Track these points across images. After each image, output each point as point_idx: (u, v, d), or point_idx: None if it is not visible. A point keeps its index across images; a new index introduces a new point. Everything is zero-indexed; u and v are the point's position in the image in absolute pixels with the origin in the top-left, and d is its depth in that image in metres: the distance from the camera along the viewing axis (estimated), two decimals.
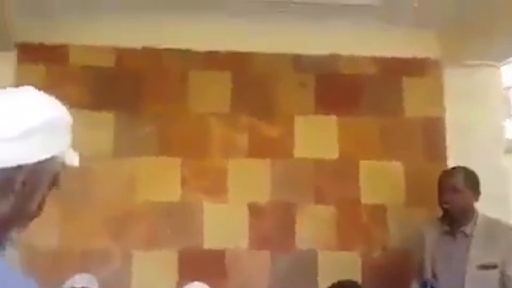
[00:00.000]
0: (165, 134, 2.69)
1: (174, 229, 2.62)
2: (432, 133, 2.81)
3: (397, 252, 2.65)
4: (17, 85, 2.66)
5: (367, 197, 2.75)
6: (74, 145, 2.76)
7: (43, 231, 2.51)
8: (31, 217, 0.86)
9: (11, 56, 2.62)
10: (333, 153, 2.77)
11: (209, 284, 2.32)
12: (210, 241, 2.63)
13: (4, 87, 2.61)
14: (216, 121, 2.72)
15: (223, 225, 2.65)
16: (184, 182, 2.66)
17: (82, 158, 2.69)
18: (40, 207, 0.87)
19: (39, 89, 2.77)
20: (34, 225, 2.50)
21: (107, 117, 2.67)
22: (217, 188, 2.67)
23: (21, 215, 0.82)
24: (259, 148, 2.74)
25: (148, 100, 2.70)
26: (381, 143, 2.80)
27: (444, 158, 2.72)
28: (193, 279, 2.32)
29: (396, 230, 2.70)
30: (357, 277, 2.62)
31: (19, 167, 0.79)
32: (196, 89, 2.74)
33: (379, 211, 2.73)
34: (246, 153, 2.73)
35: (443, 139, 2.79)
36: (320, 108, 2.81)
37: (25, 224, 0.86)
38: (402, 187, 2.76)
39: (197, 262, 2.59)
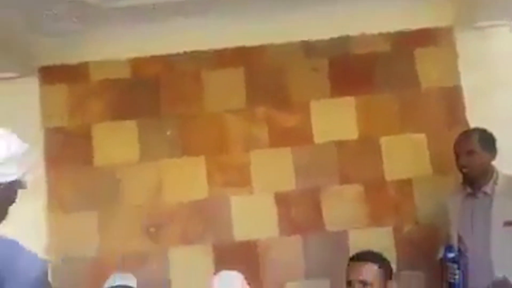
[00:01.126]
0: (186, 135, 2.79)
1: (205, 225, 2.72)
2: (451, 102, 2.78)
3: (428, 224, 2.63)
4: (42, 106, 2.84)
5: (392, 173, 2.75)
6: (103, 156, 2.89)
7: (82, 241, 2.66)
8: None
9: (34, 80, 2.78)
10: (353, 134, 2.79)
11: (245, 274, 2.40)
12: (241, 233, 2.71)
13: (30, 110, 2.78)
14: (234, 117, 2.80)
15: (252, 216, 2.72)
16: (209, 179, 2.75)
17: (111, 166, 2.85)
18: (3, 217, 1.22)
19: (63, 107, 2.92)
20: (74, 235, 2.67)
21: (130, 126, 2.79)
22: (242, 181, 2.75)
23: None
24: (279, 138, 2.79)
25: (166, 105, 2.81)
26: (401, 118, 2.79)
27: (465, 125, 2.69)
28: (228, 270, 2.40)
29: (424, 202, 2.69)
30: (391, 252, 2.63)
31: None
32: (211, 88, 2.82)
33: (405, 185, 2.73)
34: (267, 144, 2.78)
35: (462, 106, 2.76)
36: (335, 91, 2.83)
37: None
38: (426, 159, 2.74)
39: (231, 255, 2.68)
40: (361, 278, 2.01)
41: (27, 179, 1.23)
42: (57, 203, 2.72)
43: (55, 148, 2.77)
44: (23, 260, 1.15)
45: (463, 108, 2.76)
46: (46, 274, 1.20)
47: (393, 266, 2.56)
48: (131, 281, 2.47)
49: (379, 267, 2.04)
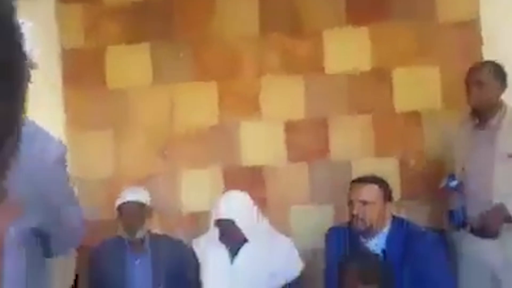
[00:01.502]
0: (199, 59, 2.81)
1: (215, 149, 2.79)
2: (468, 36, 2.72)
3: (434, 156, 2.66)
4: (58, 27, 2.86)
5: (402, 105, 2.75)
6: (117, 77, 2.96)
7: (98, 159, 2.77)
8: None
9: (50, 1, 2.80)
10: (366, 64, 2.78)
11: (252, 198, 2.49)
12: (249, 158, 2.78)
13: (48, 31, 2.81)
14: (247, 43, 2.80)
15: (260, 143, 2.78)
16: (220, 104, 2.80)
17: (124, 89, 2.92)
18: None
19: (79, 28, 2.95)
20: (89, 154, 2.77)
21: (143, 48, 2.82)
22: (252, 107, 2.79)
23: None
24: (291, 65, 2.79)
25: (179, 28, 2.82)
26: (415, 50, 2.76)
27: (480, 60, 2.64)
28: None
29: (432, 135, 2.70)
30: (396, 182, 2.68)
31: None
32: (225, 12, 2.80)
33: (414, 118, 2.74)
34: (278, 71, 2.80)
35: (479, 41, 2.70)
36: (350, 20, 2.79)
37: None
38: (438, 92, 2.73)
39: (239, 178, 2.76)
40: (361, 198, 2.08)
41: (34, 55, 1.22)
42: (75, 121, 2.80)
43: (72, 68, 2.82)
44: (42, 140, 1.12)
45: (479, 43, 2.70)
46: (65, 157, 1.19)
47: (397, 195, 2.65)
48: (143, 194, 2.57)
49: (379, 188, 2.10)
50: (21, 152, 1.07)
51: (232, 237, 2.32)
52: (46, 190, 1.16)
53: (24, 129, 1.10)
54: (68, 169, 1.28)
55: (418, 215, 2.60)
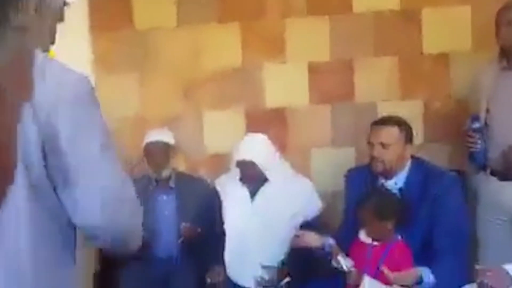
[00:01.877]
0: (223, 0, 2.78)
1: (238, 90, 2.81)
2: None
3: (461, 98, 2.61)
4: None
5: (431, 46, 2.69)
6: (142, 19, 2.98)
7: (123, 101, 2.84)
8: (49, 41, 1.08)
9: None
10: (394, 3, 2.70)
11: (274, 139, 2.53)
12: (272, 100, 2.80)
13: None
14: None
15: (284, 84, 2.78)
16: (244, 45, 2.79)
17: (150, 30, 2.94)
18: (53, 35, 1.10)
19: None
20: (117, 94, 2.85)
21: None
22: (276, 48, 2.77)
23: (41, 36, 1.04)
24: (316, 6, 2.74)
25: None
26: None
27: None
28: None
29: (460, 77, 2.64)
30: (419, 124, 2.67)
31: None
32: None
33: (442, 59, 2.67)
34: (304, 11, 2.75)
35: None
36: None
37: (47, 46, 1.08)
38: (468, 33, 2.64)
39: (262, 120, 2.79)
40: (381, 140, 2.08)
41: None
42: (101, 63, 2.86)
43: (99, 10, 2.85)
44: (59, 73, 0.95)
45: None
46: (90, 96, 0.98)
47: (420, 137, 2.63)
48: (167, 135, 2.65)
49: (399, 131, 2.09)
50: (34, 88, 0.88)
51: (252, 178, 2.38)
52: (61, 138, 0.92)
53: (39, 63, 0.94)
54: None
55: (440, 157, 2.59)
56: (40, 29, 1.03)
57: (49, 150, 0.92)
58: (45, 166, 0.93)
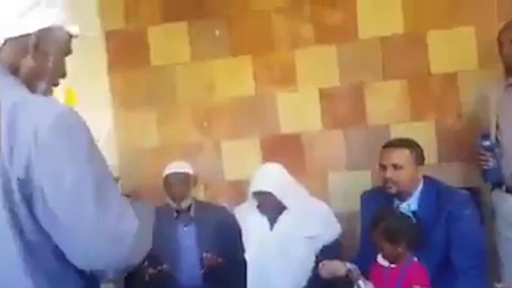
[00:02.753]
0: (234, 35, 2.91)
1: (253, 120, 2.91)
2: None
3: (471, 116, 2.65)
4: (100, 10, 3.03)
5: (438, 67, 2.74)
6: (158, 56, 3.12)
7: (144, 133, 2.96)
8: (53, 73, 1.09)
9: None
10: (398, 28, 2.77)
11: (289, 164, 2.60)
12: (286, 127, 2.88)
13: (91, 14, 2.97)
14: (280, 15, 2.86)
15: (297, 112, 2.87)
16: (256, 76, 2.90)
17: (166, 65, 3.07)
18: (61, 68, 1.11)
19: (120, 10, 3.10)
20: (136, 129, 2.97)
21: (181, 27, 2.95)
22: (287, 78, 2.87)
23: (42, 69, 1.06)
24: (324, 35, 2.83)
25: (214, 5, 2.92)
26: (449, 10, 2.72)
27: None
28: (274, 161, 2.60)
29: (469, 96, 2.68)
30: (433, 145, 2.71)
31: (28, 35, 1.04)
32: None
33: (450, 79, 2.73)
34: (312, 41, 2.85)
35: None
36: None
37: (51, 79, 1.09)
38: (473, 52, 2.69)
39: (277, 147, 2.87)
40: (392, 162, 2.13)
41: (73, 28, 1.10)
42: (120, 100, 3.00)
43: (115, 49, 3.00)
44: (39, 106, 0.94)
45: None
46: (73, 126, 0.95)
47: (434, 157, 2.67)
48: (186, 167, 2.74)
49: (410, 152, 2.14)
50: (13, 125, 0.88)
51: (270, 207, 2.44)
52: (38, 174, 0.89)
53: (20, 99, 0.92)
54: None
55: (455, 176, 2.62)
56: (42, 65, 1.05)
57: (31, 197, 0.91)
58: (31, 214, 0.92)
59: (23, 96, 0.97)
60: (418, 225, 2.04)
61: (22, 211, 0.92)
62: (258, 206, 2.48)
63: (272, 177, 2.43)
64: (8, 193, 0.91)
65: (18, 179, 0.90)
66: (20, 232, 0.92)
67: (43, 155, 0.89)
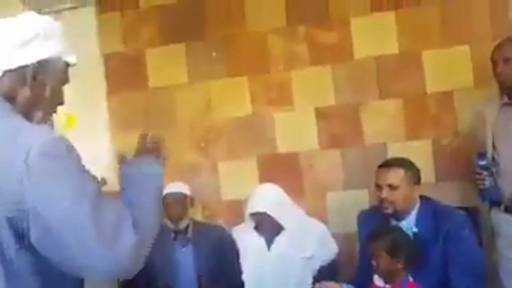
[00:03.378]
0: (231, 56, 2.93)
1: (250, 140, 2.92)
2: (498, 11, 2.68)
3: (468, 135, 2.65)
4: (99, 33, 3.07)
5: (433, 86, 2.76)
6: (155, 77, 3.14)
7: None
8: (51, 102, 1.13)
9: (92, 10, 3.01)
10: (393, 48, 2.79)
11: (287, 184, 2.60)
12: (283, 147, 2.89)
13: (90, 37, 3.02)
14: (275, 36, 2.89)
15: (294, 131, 2.88)
16: (253, 97, 2.92)
17: (163, 87, 3.09)
18: (59, 96, 1.15)
19: (119, 34, 3.14)
20: (131, 153, 2.95)
21: (179, 49, 2.98)
22: (283, 98, 2.88)
23: (40, 100, 1.10)
24: (319, 55, 2.86)
25: (211, 27, 2.95)
26: (443, 30, 2.74)
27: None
28: (271, 181, 2.61)
29: (465, 114, 2.69)
30: (429, 164, 2.71)
31: (27, 66, 1.07)
32: (253, 8, 2.91)
33: (446, 98, 2.74)
34: (307, 62, 2.87)
35: (509, 16, 2.65)
36: (375, 6, 2.81)
37: (49, 108, 1.13)
38: (469, 71, 2.71)
39: (274, 166, 2.88)
40: (387, 182, 2.13)
41: (71, 57, 1.14)
42: (119, 122, 3.01)
43: (114, 72, 3.03)
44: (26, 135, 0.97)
45: (509, 20, 2.65)
46: (60, 150, 0.97)
47: (432, 176, 2.67)
48: (184, 188, 2.74)
49: (405, 172, 2.14)
50: None
51: (267, 228, 2.44)
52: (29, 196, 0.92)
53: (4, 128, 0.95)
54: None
55: (453, 195, 2.62)
56: (39, 95, 1.08)
57: (18, 220, 0.92)
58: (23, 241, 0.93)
59: (14, 125, 1.00)
60: (417, 244, 2.03)
61: (5, 234, 0.94)
62: (256, 227, 2.48)
63: (268, 198, 2.43)
64: None
65: (5, 203, 0.93)
66: (1, 259, 0.95)
67: (36, 179, 0.92)
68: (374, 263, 2.00)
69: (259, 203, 2.41)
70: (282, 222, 2.41)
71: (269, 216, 2.38)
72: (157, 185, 1.15)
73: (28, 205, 0.92)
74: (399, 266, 1.98)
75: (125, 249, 0.96)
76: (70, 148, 1.00)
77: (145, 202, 1.09)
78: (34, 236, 0.93)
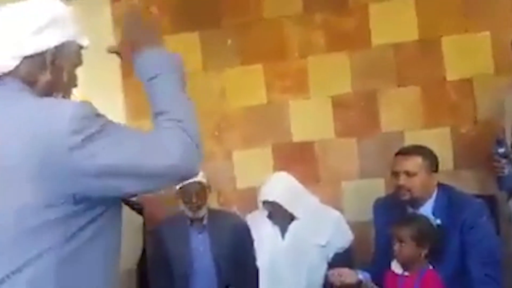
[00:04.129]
0: (246, 44, 2.91)
1: (265, 128, 2.90)
2: None
3: (487, 122, 2.60)
4: (113, 18, 3.06)
5: (453, 73, 2.71)
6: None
7: None
8: (68, 85, 1.16)
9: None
10: (412, 34, 2.74)
11: (301, 173, 2.59)
12: (299, 135, 2.87)
13: (104, 22, 3.01)
14: (291, 23, 2.86)
15: (309, 120, 2.85)
16: (268, 85, 2.89)
17: None
18: (74, 79, 1.18)
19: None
20: None
21: (193, 37, 2.97)
22: (299, 86, 2.86)
23: (59, 84, 1.13)
24: (336, 42, 2.82)
25: (226, 15, 2.93)
26: (465, 15, 2.69)
27: None
28: (286, 170, 2.60)
29: (485, 102, 2.64)
30: (448, 151, 2.66)
31: (46, 51, 1.09)
32: None
33: (466, 85, 2.68)
34: (324, 49, 2.84)
35: None
36: None
37: (67, 91, 1.16)
38: (489, 58, 2.65)
39: (289, 155, 2.86)
40: (405, 169, 2.10)
41: (84, 40, 1.15)
42: (133, 108, 3.02)
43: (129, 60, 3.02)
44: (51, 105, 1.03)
45: None
46: (89, 114, 1.01)
47: (450, 164, 2.63)
48: (201, 176, 2.73)
49: (423, 159, 2.11)
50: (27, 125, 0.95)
51: (278, 216, 2.43)
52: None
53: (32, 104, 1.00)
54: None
55: (472, 183, 2.57)
56: (58, 79, 1.12)
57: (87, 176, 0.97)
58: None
59: (43, 102, 1.05)
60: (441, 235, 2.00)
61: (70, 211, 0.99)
62: (268, 215, 2.47)
63: (279, 186, 2.42)
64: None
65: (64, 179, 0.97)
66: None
67: (90, 141, 0.97)
68: (396, 248, 1.97)
69: (270, 192, 2.40)
70: (293, 211, 2.40)
71: (280, 205, 2.37)
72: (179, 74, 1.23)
73: (94, 167, 0.97)
74: (423, 254, 1.96)
75: (187, 150, 1.07)
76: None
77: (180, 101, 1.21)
78: (125, 188, 1.02)
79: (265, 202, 2.42)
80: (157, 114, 1.14)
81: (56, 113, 0.99)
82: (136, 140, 1.05)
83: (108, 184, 1.00)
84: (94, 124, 0.99)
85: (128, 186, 1.03)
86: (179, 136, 1.09)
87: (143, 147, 1.04)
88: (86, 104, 1.02)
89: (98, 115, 1.02)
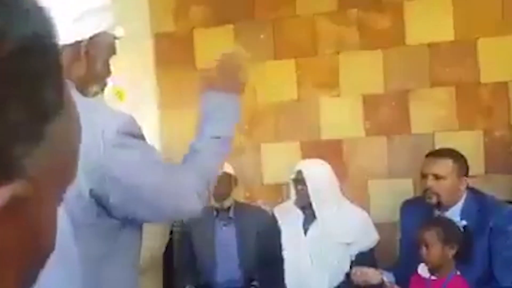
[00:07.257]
0: (279, 38, 2.92)
1: (294, 124, 2.91)
2: None
3: None
4: (151, 13, 3.10)
5: (488, 76, 2.66)
6: (204, 58, 3.16)
7: (188, 133, 3.00)
8: (102, 76, 1.17)
9: None
10: (448, 35, 2.70)
11: None
12: (327, 132, 2.86)
13: (141, 16, 3.05)
14: (325, 19, 2.85)
15: (339, 117, 2.85)
16: (299, 80, 2.90)
17: (210, 69, 3.09)
18: (108, 69, 1.18)
19: (169, 13, 3.19)
20: (181, 129, 3.02)
21: (227, 30, 2.99)
22: (330, 82, 2.85)
23: (93, 74, 1.13)
24: (370, 40, 2.80)
25: (261, 8, 2.94)
26: (502, 17, 2.63)
27: None
28: None
29: None
30: (479, 155, 2.62)
31: (80, 41, 1.09)
32: None
33: (501, 89, 2.63)
34: (357, 46, 2.82)
35: None
36: None
37: (101, 82, 1.17)
38: None
39: (317, 151, 2.85)
40: (434, 172, 2.08)
41: (118, 30, 1.16)
42: (167, 101, 3.07)
43: (163, 51, 3.08)
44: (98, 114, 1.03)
45: None
46: (132, 128, 1.07)
47: (481, 168, 2.58)
48: (228, 167, 2.77)
49: (453, 162, 2.08)
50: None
51: (304, 199, 2.38)
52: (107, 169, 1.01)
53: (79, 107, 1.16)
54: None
55: (503, 188, 2.53)
56: (93, 69, 1.11)
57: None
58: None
59: (87, 104, 1.04)
60: (468, 237, 1.99)
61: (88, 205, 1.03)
62: (295, 202, 2.45)
63: (320, 169, 2.41)
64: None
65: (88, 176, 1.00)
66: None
67: (115, 152, 1.02)
68: (424, 251, 1.96)
69: (308, 166, 2.40)
70: (322, 199, 2.37)
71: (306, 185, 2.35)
72: (232, 126, 1.32)
73: (112, 175, 1.02)
74: (450, 256, 1.94)
75: (191, 198, 1.15)
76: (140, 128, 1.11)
77: (217, 146, 1.27)
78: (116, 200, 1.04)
79: (296, 178, 2.38)
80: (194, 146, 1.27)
81: (105, 122, 1.03)
82: (159, 175, 1.12)
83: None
84: (134, 143, 1.07)
85: (138, 211, 1.10)
86: (196, 186, 1.18)
87: (162, 182, 1.13)
88: (133, 121, 1.07)
89: (141, 136, 1.10)
